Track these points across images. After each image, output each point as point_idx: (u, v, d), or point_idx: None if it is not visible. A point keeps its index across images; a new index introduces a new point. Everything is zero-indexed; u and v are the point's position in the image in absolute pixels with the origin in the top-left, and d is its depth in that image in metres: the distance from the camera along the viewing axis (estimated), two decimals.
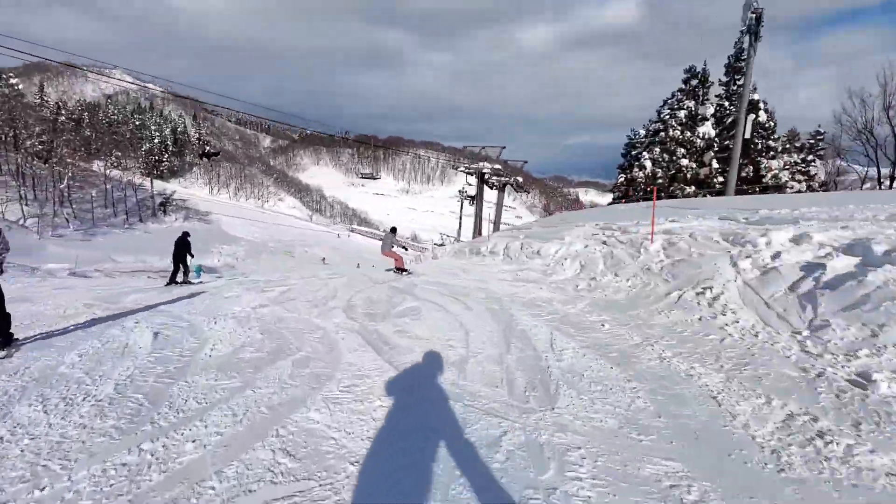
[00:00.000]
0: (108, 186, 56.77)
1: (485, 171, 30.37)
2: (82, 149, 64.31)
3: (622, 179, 29.49)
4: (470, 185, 35.08)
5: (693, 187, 25.10)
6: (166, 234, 55.94)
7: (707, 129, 25.60)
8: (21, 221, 42.85)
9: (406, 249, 12.27)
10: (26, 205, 44.23)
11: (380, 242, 13.34)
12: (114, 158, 65.73)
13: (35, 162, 47.87)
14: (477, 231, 32.42)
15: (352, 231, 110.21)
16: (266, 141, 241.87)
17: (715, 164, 25.02)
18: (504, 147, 31.06)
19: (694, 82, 27.81)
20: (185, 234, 12.70)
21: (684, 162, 25.41)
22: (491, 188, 32.05)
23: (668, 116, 27.12)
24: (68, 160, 49.15)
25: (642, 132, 29.97)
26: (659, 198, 25.20)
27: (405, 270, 11.18)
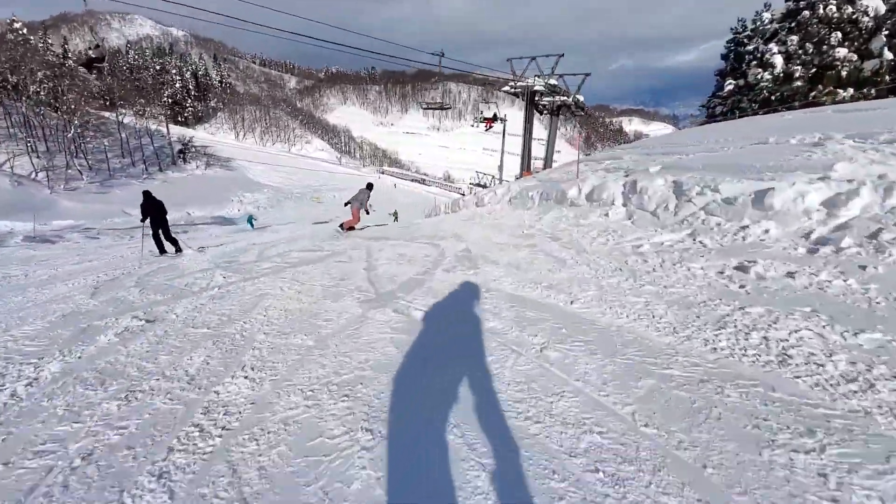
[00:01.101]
0: (123, 135, 53.39)
1: (537, 88, 23.47)
2: (101, 98, 60.55)
3: (730, 87, 21.55)
4: (489, 103, 28.31)
5: (850, 90, 17.22)
6: (188, 183, 52.68)
7: (875, 1, 17.10)
8: (33, 175, 40.22)
9: (367, 213, 11.63)
10: (37, 157, 41.37)
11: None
12: (138, 106, 61.73)
13: (43, 110, 44.43)
14: (526, 167, 26.17)
15: (381, 173, 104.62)
16: (292, 82, 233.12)
17: (888, 55, 16.77)
18: (562, 55, 23.75)
19: None
20: (148, 193, 10.31)
21: (841, 52, 17.24)
22: (541, 112, 25.22)
23: None
24: (73, 106, 45.40)
25: (766, 16, 21.30)
26: (789, 107, 17.77)
27: (352, 228, 10.94)
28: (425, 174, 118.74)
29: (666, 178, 5.87)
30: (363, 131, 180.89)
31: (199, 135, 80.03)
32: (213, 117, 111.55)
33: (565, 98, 24.73)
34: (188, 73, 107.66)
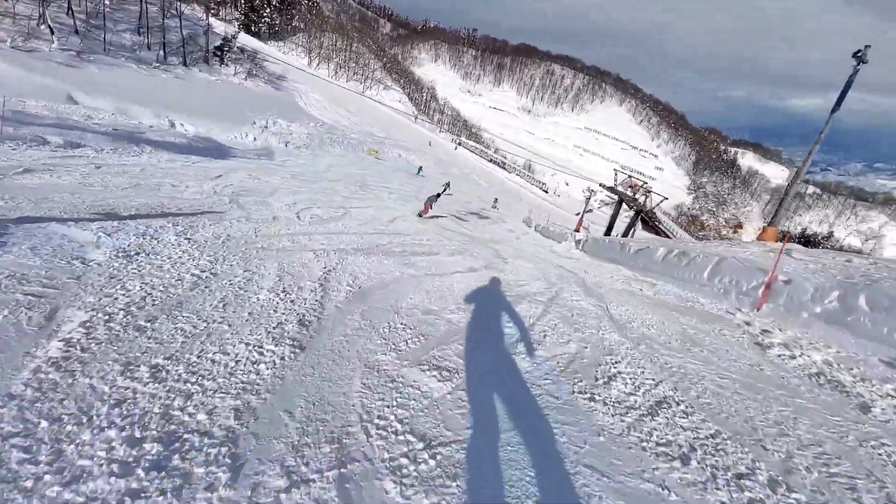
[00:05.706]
0: (145, 5, 38.41)
1: None
2: None
3: None
4: None
5: None
6: (210, 88, 37.64)
7: None
8: None
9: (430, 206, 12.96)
10: None
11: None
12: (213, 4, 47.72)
13: None
14: None
15: (459, 144, 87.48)
16: (387, 27, 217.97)
17: None
18: None
19: None
20: None
21: None
22: None
23: None
24: None
25: None
26: None
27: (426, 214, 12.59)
28: (504, 157, 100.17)
29: None
30: (448, 95, 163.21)
31: (257, 44, 64.95)
32: (291, 37, 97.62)
33: None
34: None
